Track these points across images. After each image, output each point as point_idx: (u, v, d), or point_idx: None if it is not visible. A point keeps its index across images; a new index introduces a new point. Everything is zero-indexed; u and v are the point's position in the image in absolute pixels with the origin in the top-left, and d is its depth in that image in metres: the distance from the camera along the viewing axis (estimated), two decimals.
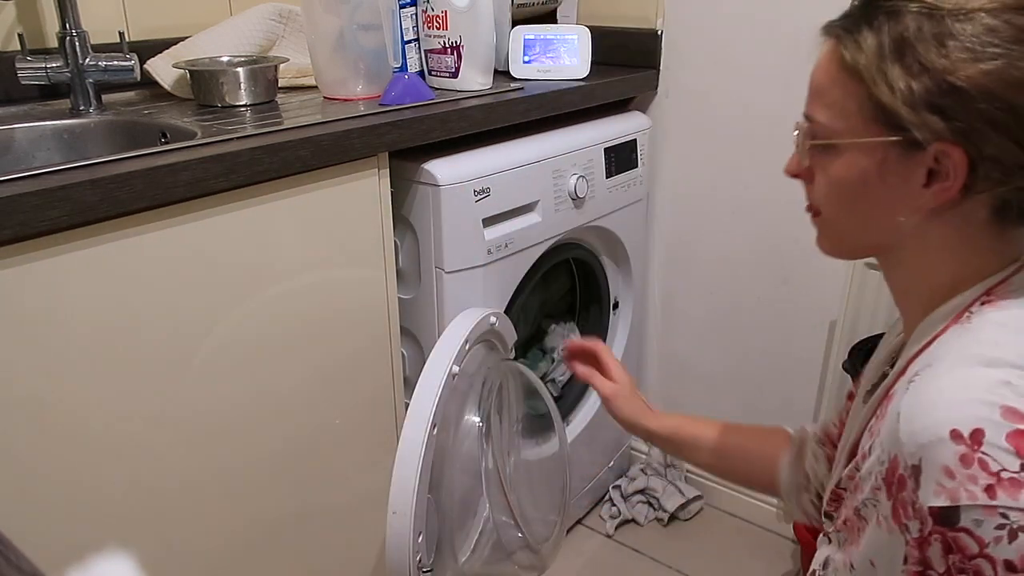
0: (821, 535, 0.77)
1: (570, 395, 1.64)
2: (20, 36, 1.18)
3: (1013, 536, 0.50)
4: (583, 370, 1.10)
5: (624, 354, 1.69)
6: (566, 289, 1.64)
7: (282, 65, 1.27)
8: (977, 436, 0.52)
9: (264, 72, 1.22)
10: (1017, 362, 0.55)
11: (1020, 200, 0.60)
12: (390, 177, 1.13)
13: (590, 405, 1.63)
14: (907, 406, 0.57)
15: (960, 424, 0.52)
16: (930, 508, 0.53)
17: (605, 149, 1.45)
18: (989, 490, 0.51)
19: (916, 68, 0.59)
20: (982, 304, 0.62)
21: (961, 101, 0.57)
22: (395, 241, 1.18)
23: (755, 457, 0.97)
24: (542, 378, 1.65)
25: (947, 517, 0.53)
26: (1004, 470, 0.51)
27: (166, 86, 1.26)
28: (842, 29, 0.64)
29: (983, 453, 0.51)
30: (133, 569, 0.39)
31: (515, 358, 1.33)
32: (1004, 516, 0.51)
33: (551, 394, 1.65)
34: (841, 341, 1.46)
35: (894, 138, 0.61)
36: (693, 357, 1.78)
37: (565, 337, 1.65)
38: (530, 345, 1.62)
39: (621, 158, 1.50)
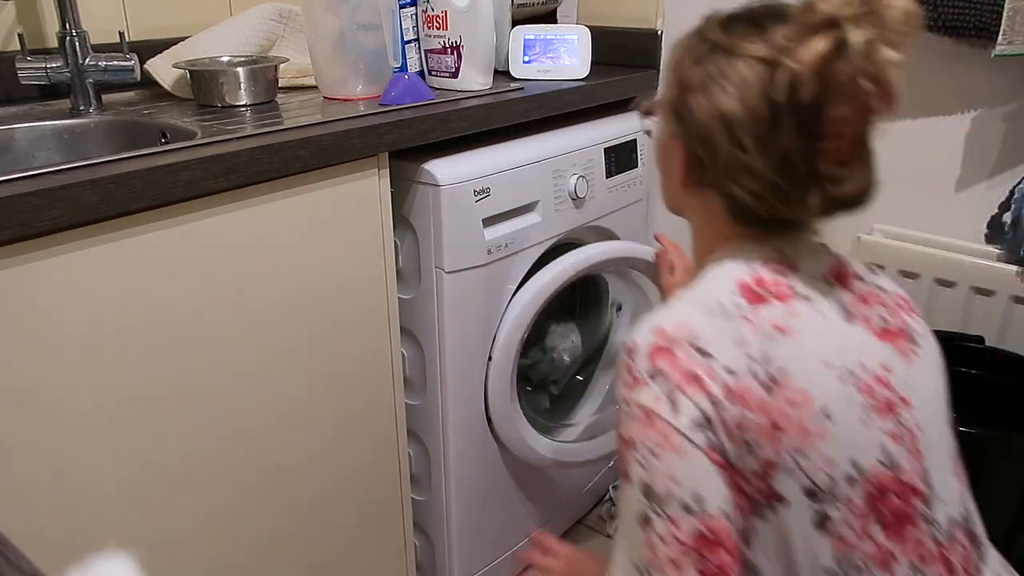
0: None
1: (570, 395, 1.64)
2: (20, 36, 1.18)
3: (631, 419, 0.69)
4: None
5: None
6: (567, 289, 1.64)
7: (282, 65, 1.27)
8: (632, 348, 0.71)
9: (264, 72, 1.22)
10: (707, 306, 0.70)
11: (744, 203, 0.71)
12: (390, 177, 1.13)
13: (590, 405, 1.63)
14: None
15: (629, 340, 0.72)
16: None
17: (605, 149, 1.45)
18: (627, 386, 0.70)
19: (677, 79, 0.74)
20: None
21: (687, 115, 0.73)
22: (395, 241, 1.18)
23: None
24: (542, 379, 1.65)
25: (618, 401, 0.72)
26: (637, 373, 0.69)
27: (166, 86, 1.26)
28: None
29: (632, 361, 0.70)
30: (133, 569, 0.39)
31: (517, 357, 1.34)
32: (627, 404, 0.69)
33: (552, 393, 1.65)
34: None
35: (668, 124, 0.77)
36: None
37: (565, 337, 1.65)
38: (530, 345, 1.62)
39: (621, 158, 1.50)
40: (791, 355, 0.67)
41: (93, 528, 0.89)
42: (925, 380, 0.74)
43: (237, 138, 0.97)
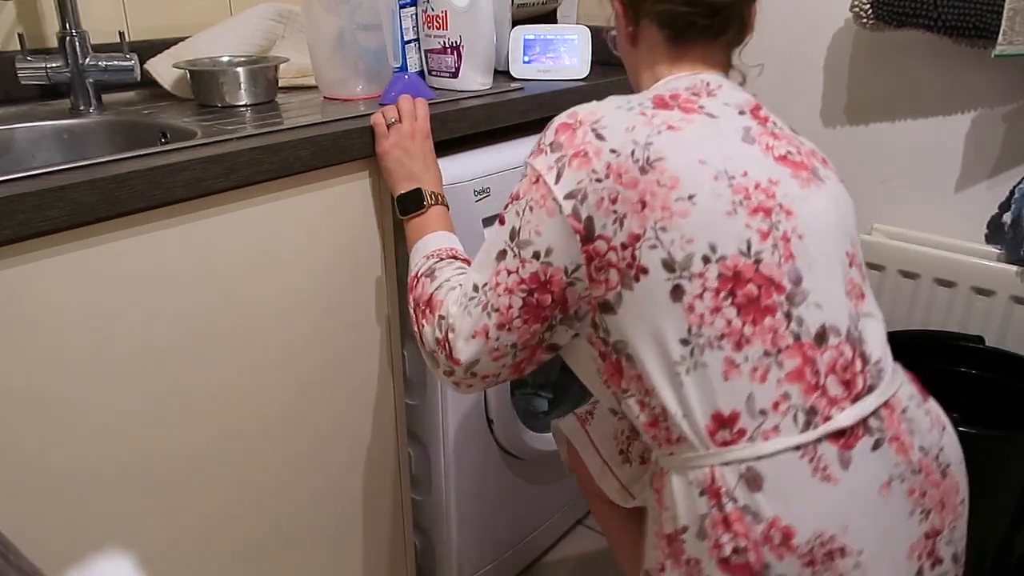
0: None
1: (566, 396, 1.64)
2: (20, 36, 1.18)
3: (525, 178, 0.82)
4: None
5: None
6: None
7: (282, 65, 1.27)
8: (549, 124, 0.84)
9: (264, 72, 1.22)
10: (620, 103, 0.81)
11: (673, 19, 0.85)
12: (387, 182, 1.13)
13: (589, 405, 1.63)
14: None
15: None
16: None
17: None
18: (532, 152, 0.83)
19: None
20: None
21: None
22: (395, 241, 1.18)
23: None
24: (532, 380, 1.65)
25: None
26: (542, 143, 0.82)
27: (166, 86, 1.26)
28: None
29: (544, 133, 0.83)
30: (133, 569, 0.39)
31: None
32: (526, 166, 0.83)
33: (546, 396, 1.65)
34: None
35: None
36: None
37: None
38: None
39: None
40: (672, 148, 0.76)
41: (91, 528, 0.89)
42: (821, 206, 0.80)
43: (237, 138, 0.97)
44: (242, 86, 1.19)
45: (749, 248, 0.74)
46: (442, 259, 0.94)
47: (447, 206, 1.04)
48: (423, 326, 0.89)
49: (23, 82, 1.16)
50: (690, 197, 0.74)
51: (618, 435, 1.09)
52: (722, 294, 0.74)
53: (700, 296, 0.74)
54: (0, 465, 0.81)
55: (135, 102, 1.27)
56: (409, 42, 1.36)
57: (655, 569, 0.81)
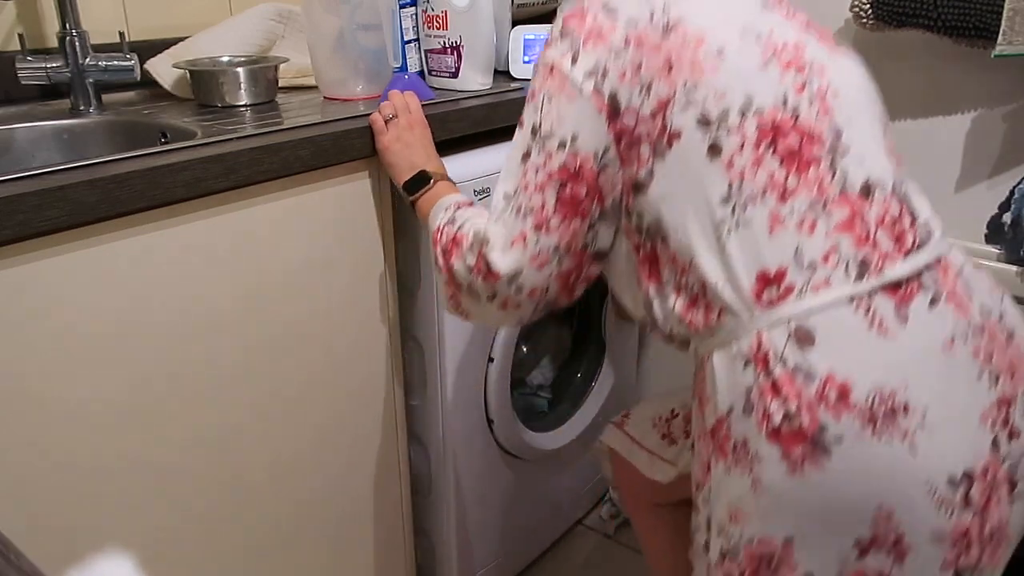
0: None
1: (568, 396, 1.64)
2: (20, 36, 1.18)
3: (538, 74, 0.79)
4: None
5: (628, 352, 1.69)
6: None
7: (282, 65, 1.27)
8: (557, 18, 0.79)
9: (264, 72, 1.22)
10: None
11: None
12: (390, 177, 1.13)
13: (589, 405, 1.63)
14: None
15: None
16: None
17: None
18: (543, 48, 0.79)
19: None
20: None
21: None
22: (395, 241, 1.18)
23: None
24: (532, 380, 1.65)
25: None
26: (552, 36, 0.78)
27: (166, 86, 1.26)
28: None
29: (553, 29, 0.79)
30: (133, 569, 0.39)
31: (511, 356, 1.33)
32: (539, 63, 0.79)
33: (545, 397, 1.65)
34: None
35: None
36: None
37: (563, 337, 1.65)
38: (523, 342, 1.62)
39: None
40: (692, 8, 0.73)
41: (91, 528, 0.89)
42: (851, 70, 0.78)
43: (237, 138, 0.97)
44: (242, 86, 1.19)
45: (786, 101, 0.71)
46: (461, 207, 0.91)
47: (454, 185, 1.02)
48: (453, 265, 0.84)
49: (23, 82, 1.16)
50: (718, 52, 0.71)
51: (657, 422, 1.07)
52: (762, 146, 0.70)
53: (739, 150, 0.70)
54: (2, 464, 0.81)
55: (135, 102, 1.27)
56: (409, 42, 1.36)
57: (702, 472, 0.77)
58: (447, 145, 1.20)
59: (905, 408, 0.66)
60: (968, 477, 0.67)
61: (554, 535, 1.68)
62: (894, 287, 0.69)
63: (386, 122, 1.05)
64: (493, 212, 0.81)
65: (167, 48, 1.28)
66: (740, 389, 0.71)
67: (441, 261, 0.87)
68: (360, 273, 1.13)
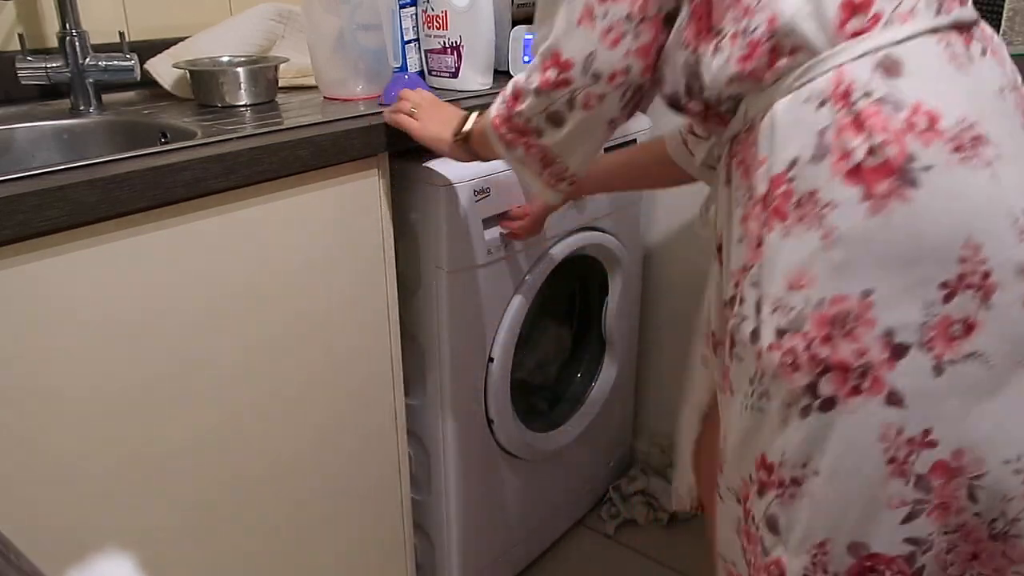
0: None
1: (568, 396, 1.64)
2: (20, 36, 1.18)
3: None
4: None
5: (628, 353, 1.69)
6: (566, 288, 1.64)
7: (282, 65, 1.27)
8: None
9: (264, 72, 1.22)
10: None
11: None
12: (390, 177, 1.13)
13: (589, 405, 1.63)
14: None
15: None
16: None
17: (605, 149, 1.45)
18: None
19: None
20: None
21: None
22: (395, 241, 1.18)
23: (651, 158, 1.12)
24: (539, 383, 1.65)
25: None
26: None
27: (166, 86, 1.26)
28: None
29: None
30: (133, 569, 0.39)
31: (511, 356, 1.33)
32: None
33: (545, 397, 1.65)
34: None
35: None
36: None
37: (563, 337, 1.65)
38: (530, 348, 1.62)
39: None
40: None
41: (88, 522, 0.89)
42: None
43: (237, 138, 0.97)
44: (242, 86, 1.19)
45: None
46: None
47: None
48: (521, 111, 0.81)
49: (23, 82, 1.16)
50: None
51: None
52: None
53: None
54: (2, 464, 0.81)
55: (135, 102, 1.27)
56: (409, 42, 1.36)
57: (749, 254, 0.73)
58: None
59: (985, 139, 0.65)
60: None
61: (554, 535, 1.68)
62: (961, 28, 0.69)
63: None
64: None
65: (167, 48, 1.28)
66: (810, 134, 0.67)
67: (507, 128, 0.84)
68: (360, 273, 1.13)
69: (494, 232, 1.24)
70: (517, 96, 0.82)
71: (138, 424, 0.91)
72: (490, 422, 1.36)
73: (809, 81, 0.68)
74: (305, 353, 1.08)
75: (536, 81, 0.79)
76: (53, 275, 0.80)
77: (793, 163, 0.68)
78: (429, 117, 1.04)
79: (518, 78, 0.83)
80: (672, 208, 1.70)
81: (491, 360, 1.31)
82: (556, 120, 0.80)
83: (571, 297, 1.66)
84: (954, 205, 0.64)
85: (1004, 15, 1.20)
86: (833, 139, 0.66)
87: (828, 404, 0.67)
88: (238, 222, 0.96)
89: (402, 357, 1.25)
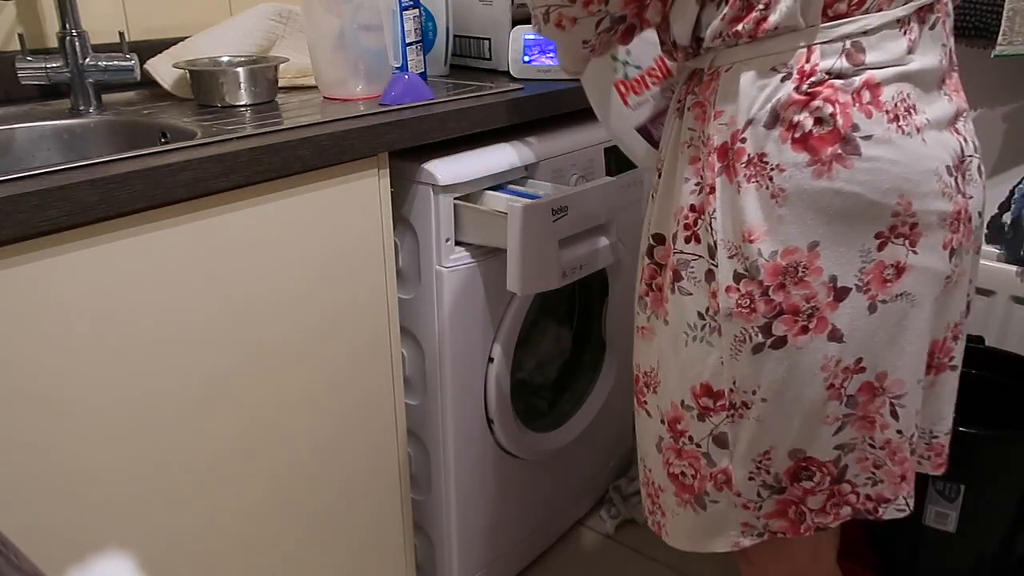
0: None
1: (569, 396, 1.64)
2: (20, 36, 1.18)
3: None
4: None
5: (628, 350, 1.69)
6: (565, 288, 1.64)
7: (282, 65, 1.27)
8: None
9: (264, 72, 1.22)
10: None
11: None
12: (390, 177, 1.13)
13: (589, 405, 1.63)
14: None
15: None
16: None
17: (605, 149, 1.45)
18: None
19: None
20: None
21: None
22: (395, 241, 1.18)
23: None
24: (539, 383, 1.65)
25: None
26: None
27: (166, 86, 1.26)
28: None
29: None
30: (133, 569, 0.39)
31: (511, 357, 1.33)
32: None
33: (545, 397, 1.65)
34: None
35: None
36: None
37: (563, 337, 1.65)
38: (523, 344, 1.62)
39: (621, 158, 1.49)
40: None
41: (94, 525, 0.89)
42: None
43: (237, 138, 0.97)
44: (242, 86, 1.19)
45: None
46: None
47: None
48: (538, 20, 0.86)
49: (23, 82, 1.16)
50: None
51: None
52: None
53: None
54: (2, 464, 0.81)
55: (135, 102, 1.27)
56: (411, 44, 1.36)
57: (698, 198, 0.79)
58: (446, 145, 1.20)
59: (916, 108, 0.74)
60: (957, 167, 0.77)
61: (554, 535, 1.68)
62: (922, 10, 0.75)
63: None
64: None
65: (167, 48, 1.28)
66: (767, 102, 0.74)
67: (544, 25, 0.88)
68: (360, 273, 1.13)
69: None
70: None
71: (138, 424, 0.91)
72: (490, 422, 1.36)
73: (779, 52, 0.74)
74: (305, 352, 1.08)
75: None
76: (53, 275, 0.80)
77: (748, 124, 0.74)
78: None
79: None
80: None
81: (491, 360, 1.31)
82: (538, 20, 0.86)
83: (571, 297, 1.66)
84: (890, 168, 0.73)
85: (1004, 15, 1.20)
86: (784, 110, 0.73)
87: (779, 343, 0.77)
88: (238, 222, 0.96)
89: (402, 357, 1.25)
